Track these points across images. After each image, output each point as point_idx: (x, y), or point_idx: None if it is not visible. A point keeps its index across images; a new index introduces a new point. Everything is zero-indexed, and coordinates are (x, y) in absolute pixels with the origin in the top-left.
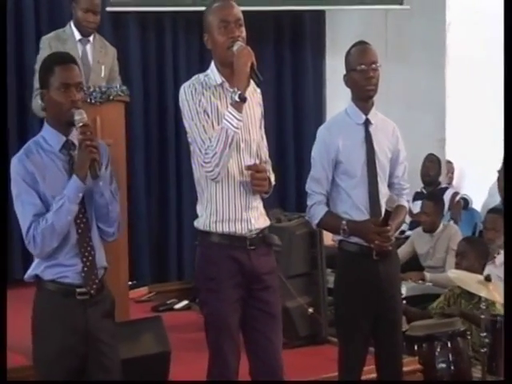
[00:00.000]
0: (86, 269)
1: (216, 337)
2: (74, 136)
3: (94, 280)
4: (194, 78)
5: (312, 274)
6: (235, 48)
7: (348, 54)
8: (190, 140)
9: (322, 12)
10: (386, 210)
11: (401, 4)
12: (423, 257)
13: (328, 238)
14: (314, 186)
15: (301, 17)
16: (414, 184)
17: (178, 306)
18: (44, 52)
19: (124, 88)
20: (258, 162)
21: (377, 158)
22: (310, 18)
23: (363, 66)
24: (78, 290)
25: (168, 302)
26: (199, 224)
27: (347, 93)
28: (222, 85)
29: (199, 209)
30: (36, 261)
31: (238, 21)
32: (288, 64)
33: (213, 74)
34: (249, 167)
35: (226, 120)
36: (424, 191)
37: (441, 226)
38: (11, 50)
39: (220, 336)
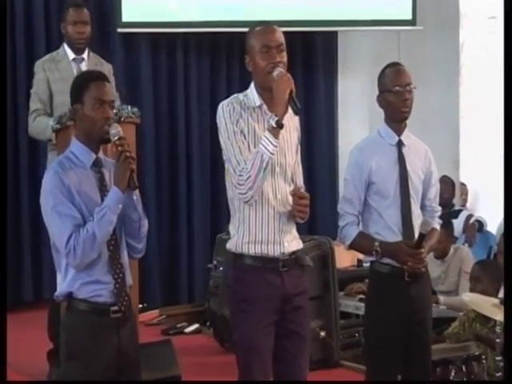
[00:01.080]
0: (117, 286)
1: (245, 360)
2: (101, 155)
3: (124, 297)
4: (233, 96)
5: (324, 297)
6: (275, 74)
7: (382, 74)
8: (225, 158)
9: (334, 33)
10: (420, 233)
11: (414, 25)
12: (435, 282)
13: (340, 261)
14: (346, 207)
15: (313, 38)
16: None
17: (188, 330)
18: (39, 75)
19: (135, 109)
20: (292, 186)
21: (410, 179)
22: (322, 38)
23: (399, 88)
24: (112, 308)
25: (178, 325)
26: (231, 245)
27: (360, 114)
28: (260, 107)
29: (231, 229)
30: (69, 277)
31: (280, 46)
32: (299, 85)
33: (252, 95)
34: (294, 193)
35: (262, 145)
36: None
37: (451, 250)
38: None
39: (249, 360)
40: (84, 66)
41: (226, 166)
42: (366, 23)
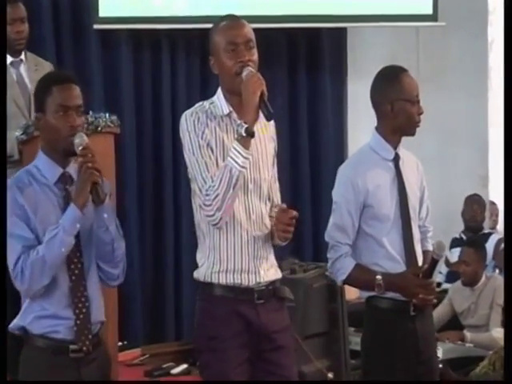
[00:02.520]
0: (78, 322)
1: None
2: (72, 169)
3: (87, 335)
4: (197, 105)
5: (332, 334)
6: (244, 74)
7: (396, 80)
8: (190, 177)
9: (343, 30)
10: (433, 259)
11: (435, 20)
12: (463, 315)
13: (350, 292)
14: (337, 236)
15: (318, 35)
16: (452, 229)
17: (175, 371)
18: None
19: (114, 118)
20: (268, 206)
21: (408, 198)
22: (329, 36)
23: (417, 98)
24: (71, 347)
25: (164, 365)
26: (199, 274)
27: (372, 124)
28: (229, 115)
29: (199, 257)
30: (23, 309)
31: (249, 42)
32: (303, 90)
33: (219, 102)
34: (282, 209)
35: (231, 157)
36: (463, 237)
37: (483, 278)
38: None
39: None
40: (23, 69)
41: (192, 186)
42: (380, 18)
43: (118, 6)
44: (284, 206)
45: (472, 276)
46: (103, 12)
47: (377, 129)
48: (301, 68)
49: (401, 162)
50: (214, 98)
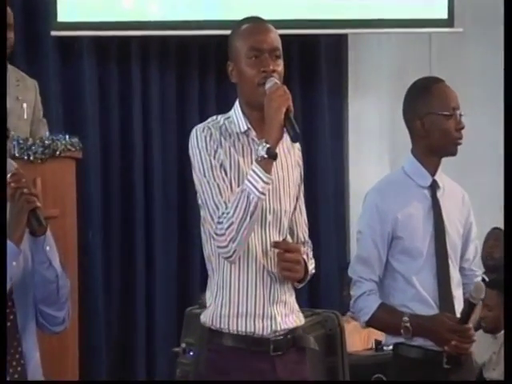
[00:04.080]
0: None
1: None
2: None
3: None
4: (210, 119)
5: None
6: (268, 86)
7: (426, 92)
8: (200, 202)
9: (344, 37)
10: (470, 303)
11: (450, 26)
12: (485, 367)
13: (352, 343)
14: (361, 270)
15: (314, 44)
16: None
17: None
18: None
19: (75, 140)
20: (289, 241)
21: (447, 233)
22: (328, 44)
23: (457, 112)
24: None
25: None
26: (206, 318)
27: (377, 146)
28: (247, 133)
29: (207, 296)
30: None
31: (275, 51)
32: (297, 106)
33: (236, 117)
34: (276, 244)
35: (249, 181)
36: (486, 278)
37: None
38: None
39: None
40: None
41: (202, 212)
42: (386, 24)
43: (79, 10)
44: (282, 240)
45: (494, 322)
46: (62, 16)
47: (412, 151)
48: (293, 82)
49: (440, 192)
50: (231, 113)
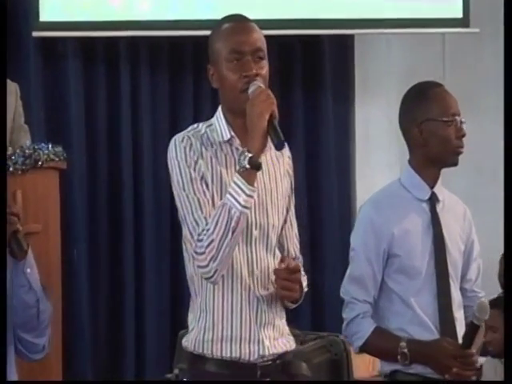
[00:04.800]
0: None
1: None
2: None
3: None
4: (190, 128)
5: None
6: (250, 90)
7: (423, 97)
8: (179, 218)
9: (350, 38)
10: (473, 324)
11: (466, 26)
12: None
13: (359, 369)
14: (354, 290)
15: (318, 45)
16: (488, 289)
17: None
18: None
19: (59, 149)
20: (278, 258)
21: (447, 251)
22: (332, 46)
23: (457, 118)
24: None
25: None
26: (188, 342)
27: (386, 155)
28: (230, 142)
29: (190, 319)
30: None
31: (258, 52)
32: (299, 112)
33: (219, 124)
34: (281, 260)
35: (231, 194)
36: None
37: None
38: None
39: None
40: None
41: (183, 230)
42: (396, 24)
43: (63, 9)
44: (284, 257)
45: (502, 344)
46: (45, 15)
47: (409, 161)
48: (296, 87)
49: (440, 205)
50: (213, 120)
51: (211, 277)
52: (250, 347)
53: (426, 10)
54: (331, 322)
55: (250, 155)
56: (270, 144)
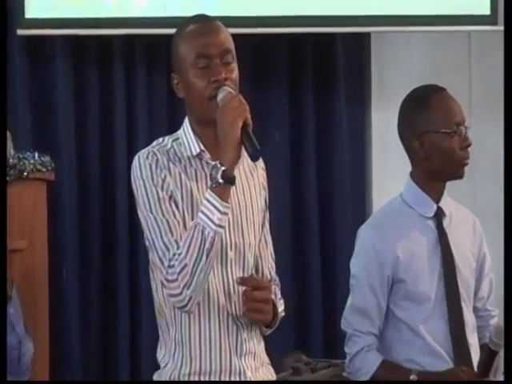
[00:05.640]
0: None
1: None
2: None
3: None
4: (155, 143)
5: None
6: (220, 97)
7: (424, 105)
8: (146, 243)
9: (366, 36)
10: (490, 350)
11: (493, 23)
12: None
13: None
14: (357, 322)
15: (331, 44)
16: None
17: None
18: None
19: (46, 159)
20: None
21: (458, 270)
22: (346, 45)
23: (461, 128)
24: None
25: None
26: (161, 377)
27: (405, 164)
28: (200, 156)
29: (161, 354)
30: None
31: (226, 54)
32: (310, 117)
33: (186, 137)
34: (242, 281)
35: (203, 213)
36: None
37: None
38: None
39: None
40: None
41: (150, 255)
42: (417, 21)
43: (51, 4)
44: (249, 276)
45: None
46: (31, 12)
47: (411, 175)
48: (307, 90)
49: (447, 221)
50: (179, 133)
51: (185, 305)
52: (230, 379)
53: (451, 5)
54: (343, 348)
55: (223, 168)
56: (242, 155)
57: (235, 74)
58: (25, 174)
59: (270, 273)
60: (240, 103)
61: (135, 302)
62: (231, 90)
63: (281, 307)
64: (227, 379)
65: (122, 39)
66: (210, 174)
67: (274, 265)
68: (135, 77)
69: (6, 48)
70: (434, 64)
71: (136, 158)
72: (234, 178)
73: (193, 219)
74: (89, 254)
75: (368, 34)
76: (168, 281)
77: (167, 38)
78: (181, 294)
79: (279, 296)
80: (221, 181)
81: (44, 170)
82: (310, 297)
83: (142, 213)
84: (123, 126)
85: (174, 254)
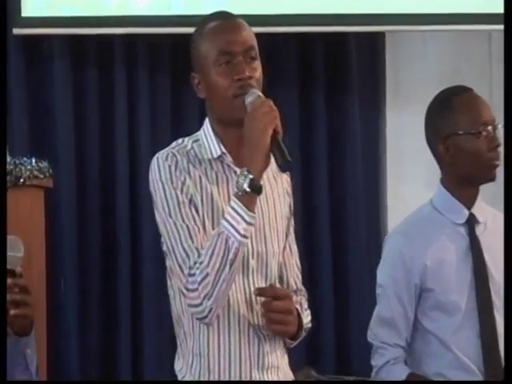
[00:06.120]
0: None
1: None
2: None
3: None
4: (174, 144)
5: None
6: (249, 100)
7: (448, 106)
8: (164, 249)
9: (380, 36)
10: None
11: None
12: None
13: None
14: (384, 334)
15: (343, 44)
16: None
17: None
18: None
19: (44, 165)
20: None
21: (491, 279)
22: (360, 45)
23: (485, 128)
24: None
25: None
26: None
27: (423, 170)
28: (221, 158)
29: (179, 365)
30: None
31: (250, 51)
32: (321, 120)
33: (207, 139)
34: (261, 291)
35: (228, 221)
36: None
37: None
38: None
39: None
40: None
41: (168, 262)
42: (435, 19)
43: (49, 2)
44: (269, 286)
45: None
46: (28, 10)
47: (441, 180)
48: (318, 91)
49: (480, 228)
50: (200, 134)
51: (205, 317)
52: None
53: (470, 3)
54: (358, 364)
55: (250, 177)
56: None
57: (259, 73)
58: (21, 180)
59: (295, 282)
60: (270, 109)
61: (137, 315)
62: (260, 94)
63: (307, 318)
64: None
65: (124, 39)
66: (237, 182)
67: (299, 274)
68: (137, 78)
69: (5, 48)
70: (453, 65)
71: (155, 159)
72: (261, 187)
73: (213, 224)
74: (88, 265)
75: (382, 34)
76: (188, 290)
77: (171, 37)
78: (201, 304)
79: (305, 306)
80: (248, 190)
81: (41, 176)
82: (320, 310)
83: (161, 216)
84: (124, 130)
85: (195, 262)
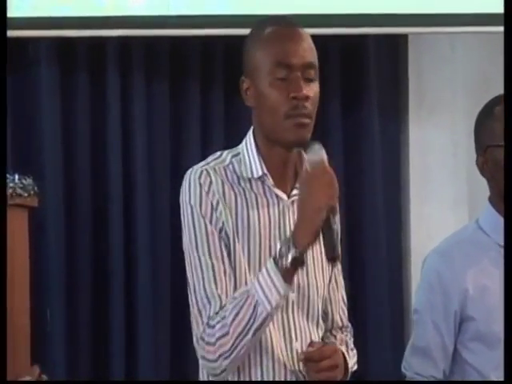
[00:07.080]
0: None
1: None
2: None
3: None
4: (211, 158)
5: None
6: (310, 158)
7: (489, 116)
8: (188, 281)
9: (402, 38)
10: None
11: None
12: None
13: None
14: (419, 364)
15: (362, 47)
16: None
17: None
18: None
19: (28, 181)
20: (323, 329)
21: None
22: (380, 48)
23: None
24: None
25: None
26: None
27: (450, 188)
28: (262, 179)
29: None
30: None
31: (309, 68)
32: (337, 131)
33: (249, 155)
34: (307, 356)
35: (260, 286)
36: None
37: None
38: None
39: None
40: None
41: (189, 295)
42: (463, 20)
43: (36, 2)
44: (313, 344)
45: None
46: (13, 10)
47: (489, 198)
48: (333, 99)
49: None
50: (241, 148)
51: (217, 374)
52: None
53: (501, 3)
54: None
55: (294, 252)
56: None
57: (315, 93)
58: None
59: (341, 319)
60: (331, 185)
61: (132, 353)
62: (324, 156)
63: (353, 360)
64: None
65: (117, 41)
66: (280, 250)
67: (345, 309)
68: (132, 84)
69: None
70: (483, 71)
71: (188, 174)
72: (303, 262)
73: (249, 261)
74: (77, 293)
75: (405, 36)
76: (203, 340)
77: (170, 40)
78: (216, 361)
79: (351, 346)
80: (289, 265)
81: (25, 194)
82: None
83: (187, 247)
84: (118, 142)
85: (216, 313)
